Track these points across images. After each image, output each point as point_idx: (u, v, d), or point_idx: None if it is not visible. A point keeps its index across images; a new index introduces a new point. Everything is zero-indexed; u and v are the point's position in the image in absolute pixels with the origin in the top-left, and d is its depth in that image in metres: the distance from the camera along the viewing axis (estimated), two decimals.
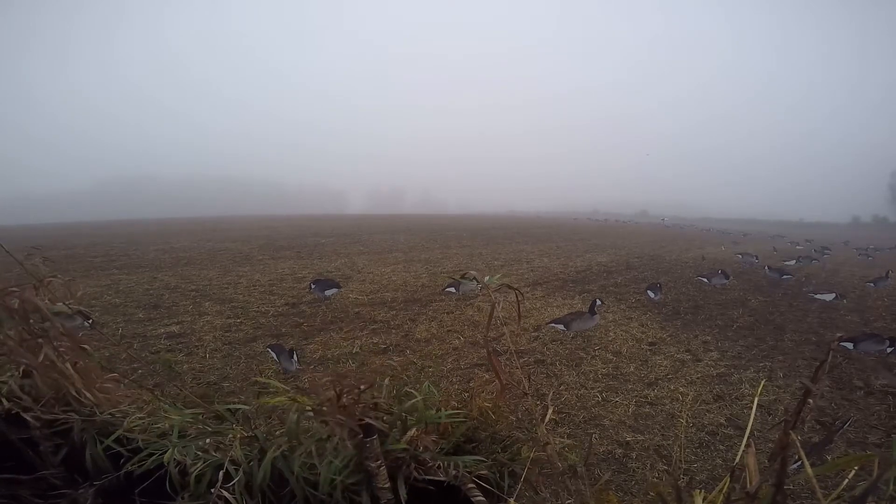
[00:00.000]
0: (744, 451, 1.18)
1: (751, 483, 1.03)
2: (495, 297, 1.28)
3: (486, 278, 1.28)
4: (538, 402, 3.01)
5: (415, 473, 1.56)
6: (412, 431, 1.60)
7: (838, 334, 4.94)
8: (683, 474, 2.48)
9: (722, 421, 3.16)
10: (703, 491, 1.19)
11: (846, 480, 1.06)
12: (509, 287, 1.25)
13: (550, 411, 1.48)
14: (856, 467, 1.05)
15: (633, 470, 2.51)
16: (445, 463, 1.68)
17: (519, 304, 1.38)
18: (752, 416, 1.21)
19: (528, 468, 1.40)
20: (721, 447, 2.82)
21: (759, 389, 1.26)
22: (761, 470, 0.97)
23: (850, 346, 4.63)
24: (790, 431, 0.91)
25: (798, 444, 0.99)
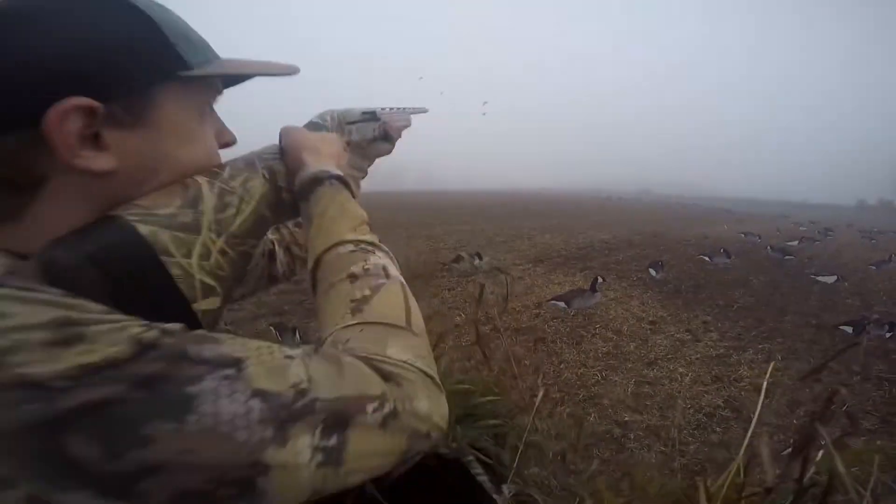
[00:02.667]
0: (748, 441, 1.17)
1: (768, 475, 1.02)
2: (483, 280, 1.26)
3: (476, 262, 1.25)
4: (531, 387, 3.02)
5: None
6: None
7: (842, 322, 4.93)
8: (679, 455, 2.51)
9: (720, 402, 3.20)
10: (706, 480, 1.18)
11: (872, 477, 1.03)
12: (499, 270, 1.22)
13: (541, 394, 1.48)
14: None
15: (632, 450, 2.55)
16: (448, 435, 1.68)
17: (508, 287, 1.36)
18: (760, 403, 1.19)
19: (521, 451, 1.41)
20: (718, 429, 2.86)
21: (769, 373, 1.24)
22: (777, 463, 0.95)
23: (849, 330, 4.63)
24: (817, 425, 0.88)
25: (828, 439, 0.93)
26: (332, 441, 0.35)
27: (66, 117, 0.38)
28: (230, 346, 0.34)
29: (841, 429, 2.81)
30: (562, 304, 4.98)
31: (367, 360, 0.39)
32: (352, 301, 0.44)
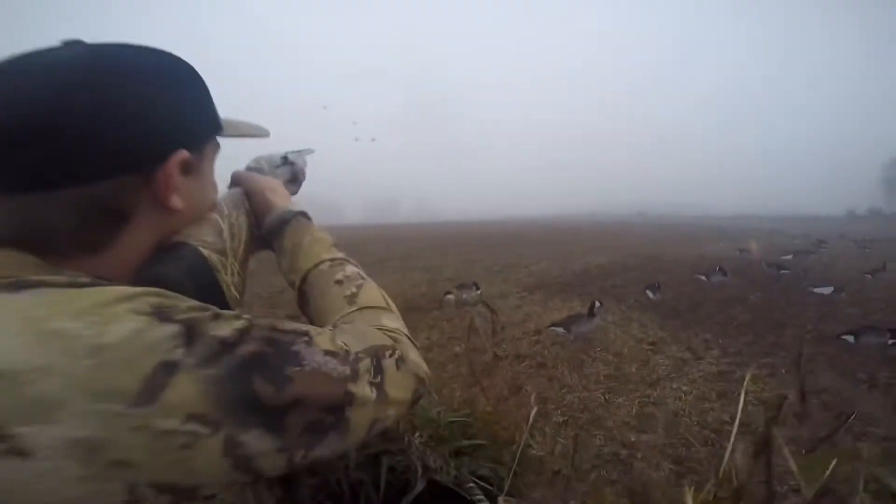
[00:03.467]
0: (731, 448, 1.19)
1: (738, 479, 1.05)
2: (475, 312, 1.29)
3: (464, 296, 1.29)
4: (529, 412, 2.99)
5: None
6: (417, 435, 1.60)
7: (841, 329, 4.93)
8: (688, 472, 2.47)
9: (726, 418, 3.16)
10: (692, 488, 1.19)
11: (827, 473, 1.05)
12: (485, 305, 1.26)
13: (534, 412, 1.49)
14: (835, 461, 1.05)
15: (640, 470, 2.50)
16: (449, 465, 1.68)
17: (494, 321, 1.39)
18: (739, 411, 1.21)
19: (516, 469, 1.40)
20: (726, 444, 2.81)
21: (746, 383, 1.28)
22: (749, 466, 0.98)
23: (851, 339, 4.63)
24: (772, 427, 0.93)
25: (781, 441, 1.00)
26: (378, 378, 0.48)
27: (175, 167, 0.49)
28: (294, 324, 0.47)
29: (853, 435, 2.80)
30: (561, 329, 4.97)
31: (376, 327, 0.55)
32: (345, 297, 0.60)
